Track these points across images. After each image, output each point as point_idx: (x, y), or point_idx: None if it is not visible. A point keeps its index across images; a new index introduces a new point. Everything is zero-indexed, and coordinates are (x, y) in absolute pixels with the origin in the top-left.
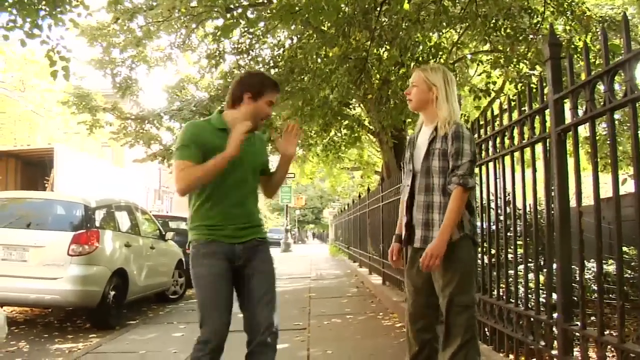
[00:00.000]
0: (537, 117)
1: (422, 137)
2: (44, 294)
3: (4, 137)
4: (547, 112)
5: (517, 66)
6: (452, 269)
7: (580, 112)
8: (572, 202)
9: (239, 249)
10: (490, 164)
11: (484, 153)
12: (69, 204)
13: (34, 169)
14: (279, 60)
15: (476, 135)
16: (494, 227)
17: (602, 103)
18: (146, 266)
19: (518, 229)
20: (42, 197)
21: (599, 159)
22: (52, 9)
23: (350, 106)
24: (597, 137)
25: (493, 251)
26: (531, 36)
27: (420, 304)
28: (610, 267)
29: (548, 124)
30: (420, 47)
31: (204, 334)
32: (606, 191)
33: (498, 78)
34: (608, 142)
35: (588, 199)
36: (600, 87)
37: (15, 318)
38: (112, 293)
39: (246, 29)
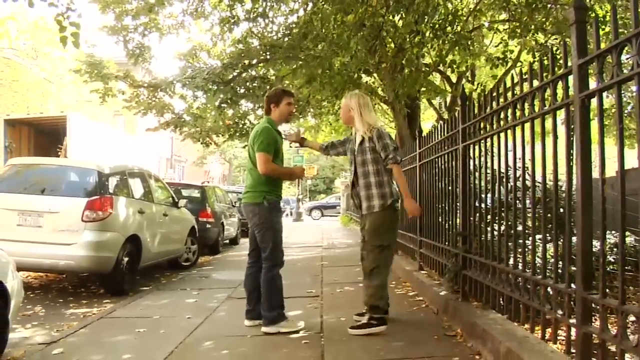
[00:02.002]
0: (559, 83)
1: (356, 139)
2: (59, 259)
3: (17, 105)
4: (569, 80)
5: (535, 35)
6: (373, 226)
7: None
8: (594, 173)
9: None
10: (509, 132)
11: (502, 121)
12: (83, 171)
13: (47, 137)
14: (293, 26)
15: (494, 103)
16: (511, 197)
17: (631, 67)
18: (159, 233)
19: (537, 197)
20: (56, 163)
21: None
22: None
23: (370, 72)
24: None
25: (510, 221)
26: (550, 5)
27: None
28: (628, 239)
29: (571, 91)
30: (437, 14)
31: (280, 258)
32: (627, 164)
33: (515, 47)
34: (629, 113)
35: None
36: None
37: (30, 283)
38: (126, 259)
39: None
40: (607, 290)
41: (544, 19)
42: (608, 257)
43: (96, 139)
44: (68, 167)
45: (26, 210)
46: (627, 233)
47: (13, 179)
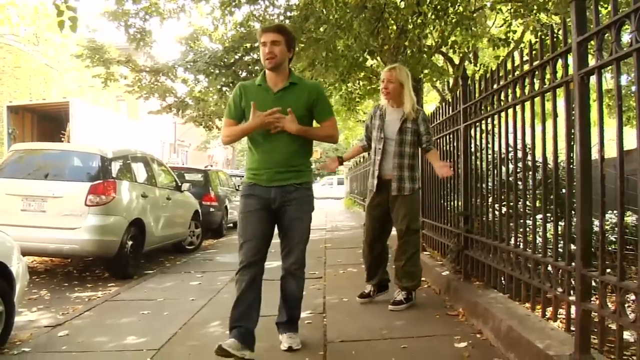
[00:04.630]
0: (559, 61)
1: (392, 116)
2: (63, 243)
3: (19, 91)
4: (569, 58)
5: (538, 15)
6: (408, 208)
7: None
8: (594, 152)
9: (274, 192)
10: (510, 111)
11: (502, 101)
12: (86, 155)
13: (50, 122)
14: (294, 8)
15: (495, 84)
16: (512, 178)
17: (629, 44)
18: (163, 217)
19: (537, 178)
20: (59, 148)
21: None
22: None
23: (374, 55)
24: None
25: (511, 201)
26: None
27: (374, 227)
28: (629, 219)
29: (570, 70)
30: None
31: (239, 257)
32: (627, 144)
33: (518, 28)
34: (630, 93)
35: (607, 152)
36: (625, 38)
37: (35, 268)
38: (130, 243)
39: None
40: (608, 269)
41: None
42: (609, 236)
43: (99, 124)
44: (71, 152)
45: (30, 195)
46: (629, 213)
47: (16, 164)
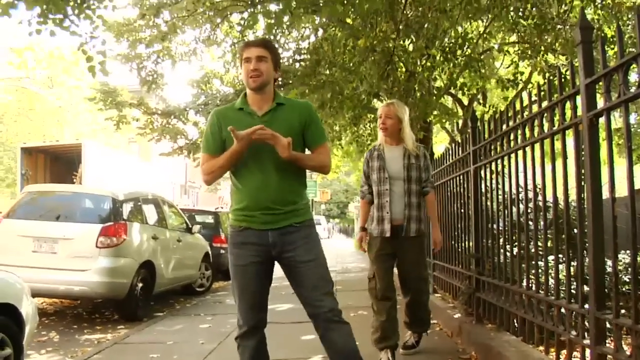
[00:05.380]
0: (567, 103)
1: (392, 153)
2: (73, 285)
3: (33, 133)
4: (577, 99)
5: (545, 56)
6: (417, 252)
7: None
8: (604, 192)
9: (273, 235)
10: (520, 153)
11: (512, 142)
12: (97, 197)
13: (62, 164)
14: (304, 52)
15: (503, 125)
16: (523, 219)
17: (637, 86)
18: (173, 259)
19: (548, 218)
20: (71, 190)
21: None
22: (81, 6)
23: (380, 98)
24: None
25: (522, 242)
26: (559, 26)
27: (387, 281)
28: None
29: (579, 111)
30: (446, 37)
31: (238, 320)
32: (637, 183)
33: (525, 68)
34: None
35: (618, 192)
36: (633, 77)
37: (45, 309)
38: (140, 285)
39: (271, 21)
40: (623, 310)
41: (553, 40)
42: (623, 277)
43: (111, 165)
44: (82, 194)
45: (41, 237)
46: None
47: (29, 205)
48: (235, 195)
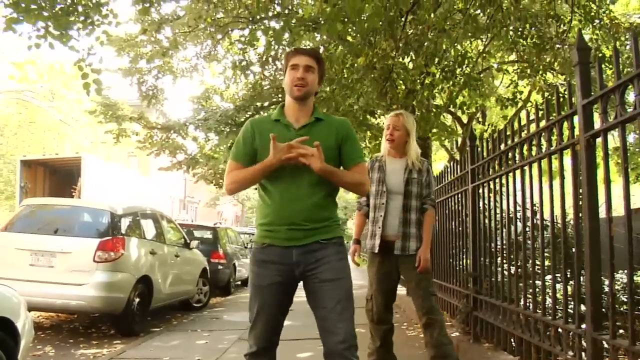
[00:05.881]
0: (565, 123)
1: (394, 166)
2: (70, 299)
3: (33, 146)
4: (575, 119)
5: (544, 75)
6: (426, 271)
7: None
8: (601, 212)
9: (297, 254)
10: (518, 172)
11: (510, 161)
12: (95, 211)
13: (61, 177)
14: None
15: (502, 145)
16: (520, 237)
17: (633, 107)
18: (171, 274)
19: (545, 238)
20: (69, 204)
21: (629, 169)
22: (86, 22)
23: (375, 115)
24: (627, 147)
25: (519, 261)
26: (558, 45)
27: (384, 304)
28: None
29: (576, 131)
30: (446, 56)
31: (249, 339)
32: (634, 203)
33: (525, 87)
34: (638, 150)
35: (616, 211)
36: (630, 97)
37: (41, 323)
38: (137, 300)
39: (271, 39)
40: (621, 330)
41: (552, 59)
42: (620, 296)
43: (110, 179)
44: (81, 208)
45: (39, 250)
46: None
47: (27, 219)
48: (261, 209)
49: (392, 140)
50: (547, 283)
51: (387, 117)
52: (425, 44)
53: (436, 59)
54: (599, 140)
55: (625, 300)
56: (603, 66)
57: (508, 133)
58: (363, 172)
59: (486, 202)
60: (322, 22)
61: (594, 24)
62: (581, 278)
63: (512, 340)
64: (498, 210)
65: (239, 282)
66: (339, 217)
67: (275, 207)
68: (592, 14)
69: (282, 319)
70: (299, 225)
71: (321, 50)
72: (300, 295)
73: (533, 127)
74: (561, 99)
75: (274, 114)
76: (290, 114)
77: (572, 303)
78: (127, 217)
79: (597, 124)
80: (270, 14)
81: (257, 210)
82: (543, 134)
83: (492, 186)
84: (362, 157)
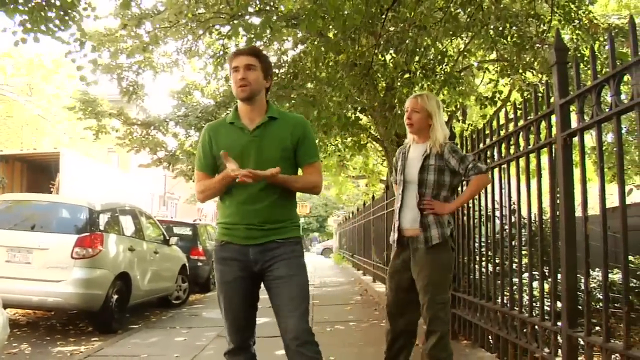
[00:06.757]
0: (543, 122)
1: (414, 153)
2: (47, 296)
3: (11, 140)
4: (552, 118)
5: (524, 74)
6: (433, 269)
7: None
8: (577, 210)
9: (254, 252)
10: (496, 171)
11: (488, 160)
12: (73, 207)
13: (39, 172)
14: (283, 65)
15: (481, 144)
16: (498, 235)
17: (609, 107)
18: (149, 270)
19: (523, 236)
20: (46, 199)
21: (605, 169)
22: (64, 18)
23: (366, 113)
24: (604, 147)
25: (497, 259)
26: (537, 45)
27: (395, 304)
28: (615, 276)
29: (554, 130)
30: (426, 53)
31: (226, 337)
32: (611, 202)
33: (504, 86)
34: (614, 150)
35: (592, 210)
36: (607, 97)
37: (17, 320)
38: (115, 297)
39: (252, 36)
40: (597, 327)
41: (532, 59)
42: (596, 294)
43: (89, 175)
44: (59, 204)
45: (15, 247)
46: (616, 270)
47: (3, 214)
48: (221, 209)
49: (410, 124)
50: (524, 281)
51: (407, 100)
52: (407, 41)
53: (416, 57)
54: (575, 139)
55: (601, 297)
56: (582, 66)
57: (487, 132)
58: (318, 172)
59: None
60: (302, 18)
61: (574, 24)
62: (558, 276)
63: (490, 337)
64: (476, 208)
65: None
66: (321, 214)
67: (233, 210)
68: (572, 14)
69: (252, 312)
70: (256, 226)
71: (301, 47)
72: None
73: (512, 126)
74: (540, 99)
75: (228, 117)
76: (244, 115)
77: (549, 301)
78: (106, 213)
79: (575, 123)
80: (251, 9)
81: (219, 210)
82: (521, 132)
83: None
84: (318, 157)
